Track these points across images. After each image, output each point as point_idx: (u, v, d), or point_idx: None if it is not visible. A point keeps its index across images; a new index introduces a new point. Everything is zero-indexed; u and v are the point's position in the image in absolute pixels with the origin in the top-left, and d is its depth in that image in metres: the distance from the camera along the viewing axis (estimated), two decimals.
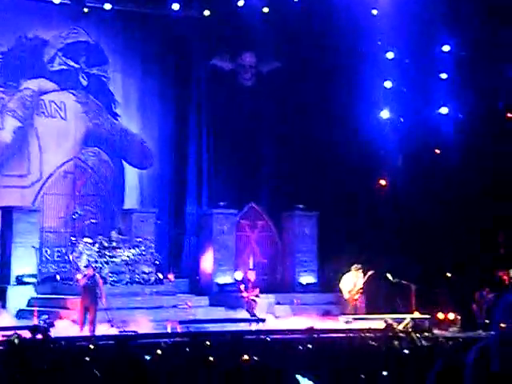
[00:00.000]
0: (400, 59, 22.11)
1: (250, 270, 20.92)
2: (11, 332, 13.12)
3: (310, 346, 11.75)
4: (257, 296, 19.84)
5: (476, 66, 21.08)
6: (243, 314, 19.50)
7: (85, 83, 22.15)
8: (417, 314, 19.29)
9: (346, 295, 20.43)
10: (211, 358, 10.00)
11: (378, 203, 21.93)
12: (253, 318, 19.02)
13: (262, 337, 14.47)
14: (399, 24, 21.11)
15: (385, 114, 22.50)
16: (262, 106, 23.41)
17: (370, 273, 20.33)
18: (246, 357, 8.65)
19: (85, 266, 18.47)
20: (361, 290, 20.47)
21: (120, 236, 20.61)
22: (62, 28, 21.95)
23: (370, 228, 21.78)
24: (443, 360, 2.88)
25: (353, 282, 20.38)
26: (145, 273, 20.36)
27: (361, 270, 20.42)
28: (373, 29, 21.55)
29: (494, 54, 21.00)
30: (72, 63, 22.06)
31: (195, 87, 23.55)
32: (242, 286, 19.58)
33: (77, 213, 21.30)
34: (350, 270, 20.54)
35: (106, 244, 20.14)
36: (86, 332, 16.46)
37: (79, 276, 17.62)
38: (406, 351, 11.70)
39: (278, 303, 20.82)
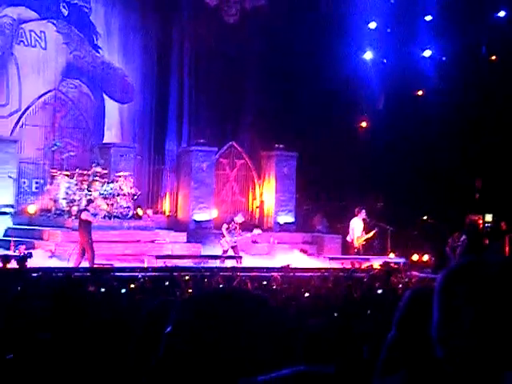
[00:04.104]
0: (386, 0, 21.91)
1: (241, 214, 20.67)
2: None
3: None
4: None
5: (461, 9, 20.93)
6: (220, 251, 19.61)
7: (66, 13, 21.75)
8: (392, 256, 19.54)
9: (353, 240, 20.19)
10: (190, 290, 10.14)
11: (357, 145, 21.96)
12: (234, 255, 19.08)
13: (238, 274, 14.62)
14: None
15: (368, 55, 22.37)
16: (246, 44, 23.15)
17: (374, 231, 20.18)
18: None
19: (89, 202, 18.56)
20: (365, 241, 20.29)
21: (101, 170, 20.53)
22: None
23: (348, 170, 21.86)
24: (412, 291, 2.90)
25: (360, 229, 20.24)
26: (123, 207, 20.35)
27: (363, 215, 20.27)
28: None
29: None
30: None
31: (178, 22, 23.21)
32: (225, 227, 19.48)
33: (56, 145, 21.15)
34: (355, 215, 20.28)
35: (84, 177, 20.09)
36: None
37: (86, 214, 17.48)
38: (380, 291, 11.88)
39: (255, 242, 20.95)
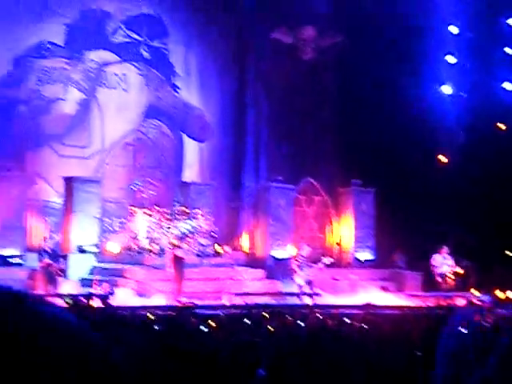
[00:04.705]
0: (463, 33, 21.71)
1: (305, 245, 20.70)
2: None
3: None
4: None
5: None
6: (297, 288, 19.54)
7: (146, 55, 22.38)
8: (476, 293, 19.08)
9: (437, 276, 20.36)
10: (271, 328, 10.11)
11: (437, 180, 21.66)
12: (309, 292, 19.05)
13: (317, 311, 14.52)
14: None
15: (446, 89, 22.16)
16: (322, 81, 23.27)
17: (464, 267, 20.11)
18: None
19: (181, 240, 18.96)
20: (452, 276, 20.31)
21: (180, 208, 20.81)
22: (125, 0, 22.18)
23: (428, 205, 21.54)
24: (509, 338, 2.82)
25: (446, 265, 20.13)
26: (202, 245, 20.53)
27: (446, 251, 20.25)
28: (436, 2, 21.18)
29: None
30: (134, 35, 22.29)
31: (255, 61, 23.55)
32: (295, 263, 19.54)
33: (137, 184, 21.60)
34: (438, 252, 20.42)
35: (165, 215, 20.41)
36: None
37: (181, 252, 17.90)
38: (464, 330, 11.59)
39: (334, 279, 20.82)
